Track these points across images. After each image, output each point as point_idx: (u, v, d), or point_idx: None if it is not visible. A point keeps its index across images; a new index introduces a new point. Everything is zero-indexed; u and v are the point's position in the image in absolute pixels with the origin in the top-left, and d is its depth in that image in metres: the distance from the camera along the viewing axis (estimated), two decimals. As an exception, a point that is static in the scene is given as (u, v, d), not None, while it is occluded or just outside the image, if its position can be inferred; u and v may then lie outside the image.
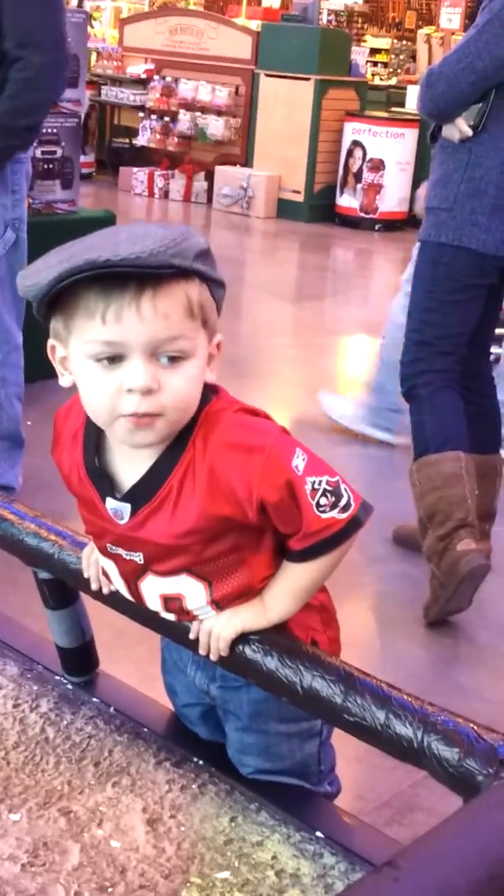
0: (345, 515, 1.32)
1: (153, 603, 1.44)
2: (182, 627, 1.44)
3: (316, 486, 1.30)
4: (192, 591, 1.40)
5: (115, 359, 1.24)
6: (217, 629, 1.39)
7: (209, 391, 1.34)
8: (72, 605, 1.67)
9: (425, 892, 0.94)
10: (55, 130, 4.72)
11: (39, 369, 4.57)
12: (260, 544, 1.39)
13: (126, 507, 1.36)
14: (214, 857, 1.37)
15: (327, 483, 1.31)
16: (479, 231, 3.09)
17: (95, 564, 1.51)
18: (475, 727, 1.19)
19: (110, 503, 1.37)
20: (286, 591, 1.39)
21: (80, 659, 1.72)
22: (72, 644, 1.70)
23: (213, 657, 1.42)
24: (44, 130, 4.65)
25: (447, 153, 3.17)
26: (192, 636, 1.43)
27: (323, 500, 1.31)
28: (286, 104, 10.30)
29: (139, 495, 1.35)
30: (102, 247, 1.20)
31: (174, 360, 1.25)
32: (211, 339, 1.30)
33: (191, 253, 1.23)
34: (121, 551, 1.40)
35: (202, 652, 1.42)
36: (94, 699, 1.67)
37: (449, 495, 3.04)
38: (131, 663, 1.76)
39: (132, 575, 1.43)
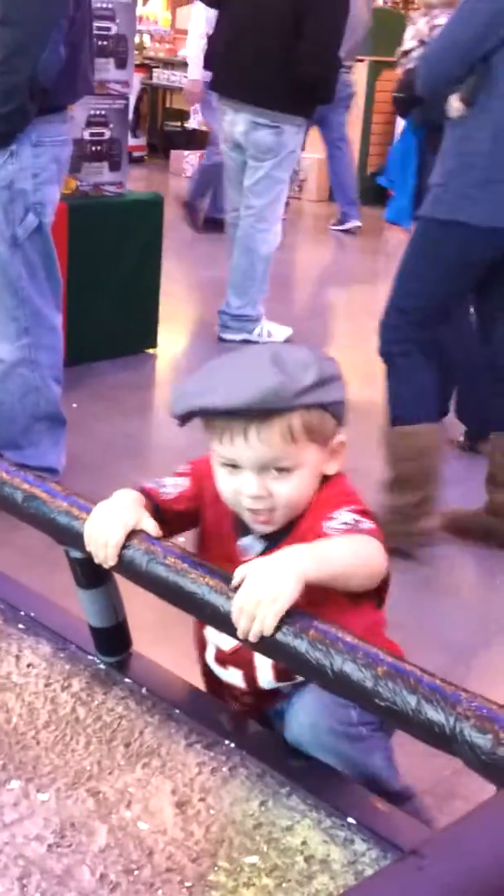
0: (366, 526, 1.50)
1: (264, 669, 1.62)
2: (217, 610, 1.40)
3: (336, 516, 1.51)
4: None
5: (234, 468, 1.54)
6: (265, 607, 1.32)
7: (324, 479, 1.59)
8: (104, 584, 1.65)
9: (449, 882, 0.91)
10: (103, 112, 4.71)
11: (84, 352, 4.62)
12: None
13: (260, 545, 1.60)
14: (243, 842, 1.35)
15: (351, 517, 1.51)
16: (469, 204, 3.11)
17: (114, 549, 1.49)
18: (510, 713, 1.15)
19: (245, 540, 1.61)
20: (323, 553, 1.42)
21: (113, 639, 1.70)
22: (104, 624, 1.68)
23: (252, 640, 1.35)
24: (91, 112, 4.66)
25: (446, 131, 3.20)
26: (234, 620, 1.36)
27: (342, 526, 1.49)
28: (339, 86, 10.20)
29: (279, 535, 1.58)
30: (217, 389, 1.49)
31: (282, 471, 1.53)
32: (327, 445, 1.57)
33: (289, 396, 1.47)
34: None
35: (241, 636, 1.36)
36: (127, 679, 1.66)
37: (424, 468, 3.24)
38: (169, 644, 1.74)
39: None
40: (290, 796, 1.42)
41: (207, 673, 1.72)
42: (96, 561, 1.52)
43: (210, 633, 1.66)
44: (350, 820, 1.38)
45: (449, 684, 1.21)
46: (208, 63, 5.43)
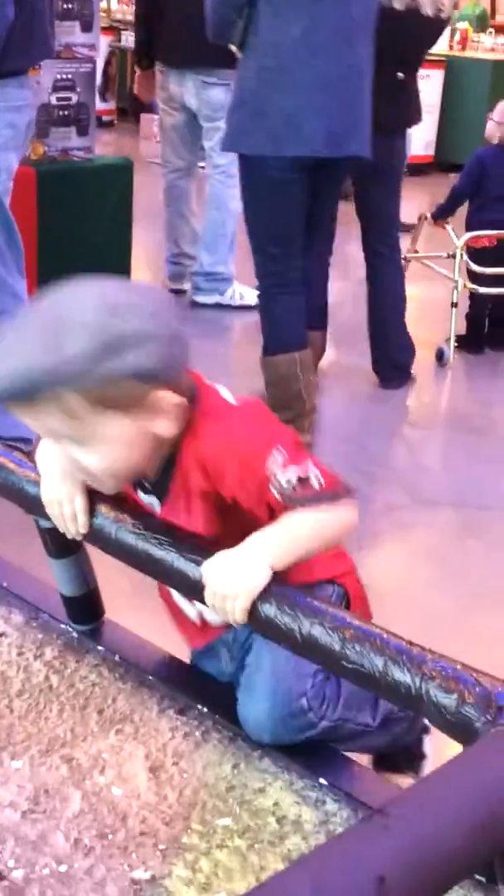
0: (312, 492, 1.35)
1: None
2: (187, 576, 1.41)
3: (281, 482, 1.34)
4: None
5: None
6: (231, 602, 1.34)
7: (192, 397, 1.38)
8: (74, 553, 1.66)
9: (416, 840, 0.92)
10: (70, 76, 4.66)
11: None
12: None
13: (154, 500, 1.47)
14: (216, 804, 1.36)
15: (297, 478, 1.35)
16: (246, 137, 3.37)
17: (84, 515, 1.48)
18: (474, 673, 1.16)
19: (142, 496, 1.49)
20: (285, 537, 1.35)
21: (85, 607, 1.71)
22: (75, 592, 1.69)
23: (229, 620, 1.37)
24: (58, 76, 4.61)
25: None
26: (209, 606, 1.38)
27: (291, 490, 1.34)
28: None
29: (159, 491, 1.46)
30: None
31: (81, 444, 1.34)
32: (139, 408, 1.32)
33: (45, 383, 1.25)
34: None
35: (219, 616, 1.38)
36: (99, 647, 1.67)
37: (286, 392, 3.47)
38: (142, 610, 1.74)
39: None
40: (261, 759, 1.44)
41: (166, 596, 1.63)
42: (68, 536, 1.52)
43: None
44: (322, 781, 1.40)
45: (415, 645, 1.22)
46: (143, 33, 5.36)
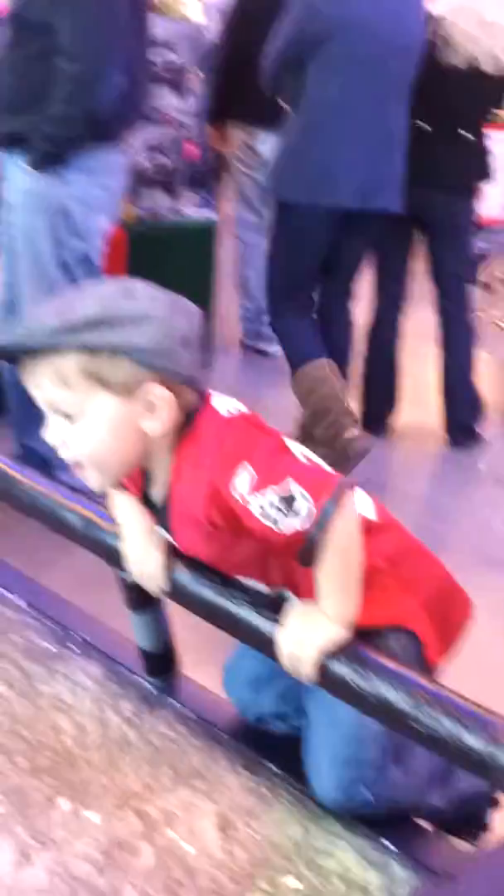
0: (308, 522, 1.30)
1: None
2: (263, 635, 1.43)
3: (263, 503, 1.30)
4: (262, 587, 1.46)
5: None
6: (302, 655, 1.36)
7: (188, 421, 1.39)
8: (154, 607, 1.69)
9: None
10: (160, 140, 4.79)
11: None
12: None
13: (167, 534, 1.48)
14: (284, 864, 1.37)
15: (279, 499, 1.30)
16: (286, 185, 3.72)
17: (163, 574, 1.52)
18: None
19: (160, 531, 1.49)
20: (330, 592, 1.35)
21: (162, 661, 1.74)
22: (153, 646, 1.72)
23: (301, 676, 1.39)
24: (150, 139, 4.74)
25: None
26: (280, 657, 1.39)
27: (277, 515, 1.30)
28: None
29: (165, 525, 1.47)
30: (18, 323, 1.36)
31: (69, 418, 1.37)
32: (129, 395, 1.35)
33: (39, 336, 1.33)
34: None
35: (290, 665, 1.39)
36: (174, 702, 1.69)
37: (321, 396, 3.52)
38: (214, 666, 1.77)
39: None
40: (329, 820, 1.45)
41: None
42: (151, 593, 1.56)
43: None
44: (390, 846, 1.40)
45: (487, 710, 1.22)
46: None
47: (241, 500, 1.31)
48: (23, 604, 1.97)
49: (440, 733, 1.23)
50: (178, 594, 1.53)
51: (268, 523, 1.31)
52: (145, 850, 1.39)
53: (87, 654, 1.81)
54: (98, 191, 3.22)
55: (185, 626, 1.77)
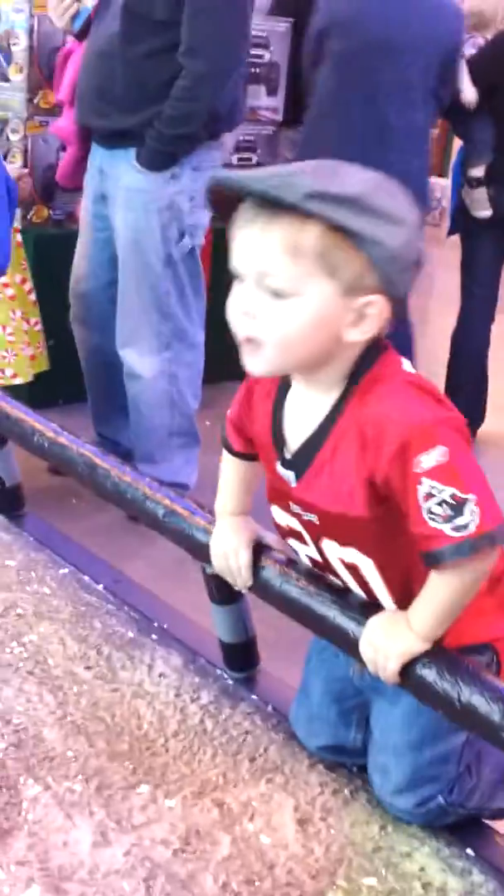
0: (456, 535, 1.26)
1: (338, 566, 1.45)
2: (346, 634, 1.43)
3: (434, 491, 1.26)
4: (364, 565, 1.40)
5: (241, 279, 1.30)
6: (381, 661, 1.36)
7: (374, 352, 1.34)
8: (237, 601, 1.70)
9: None
10: (252, 138, 4.80)
11: (222, 371, 4.68)
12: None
13: (291, 475, 1.41)
14: (362, 863, 1.37)
15: (451, 496, 1.26)
16: None
17: (247, 570, 1.53)
18: None
19: (279, 468, 1.42)
20: (428, 610, 1.34)
21: (242, 655, 1.75)
22: (234, 640, 1.73)
23: (381, 677, 1.39)
24: (240, 138, 4.75)
25: None
26: (363, 656, 1.39)
27: (437, 509, 1.27)
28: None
29: (300, 462, 1.39)
30: (251, 171, 1.27)
31: (277, 295, 1.27)
32: (350, 294, 1.27)
33: (299, 190, 1.22)
34: (300, 510, 1.43)
35: (371, 669, 1.39)
36: (253, 696, 1.70)
37: None
38: (292, 664, 1.77)
39: (314, 534, 1.45)
40: (409, 823, 1.44)
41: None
42: (235, 587, 1.57)
43: (295, 547, 1.52)
44: (468, 851, 1.40)
45: None
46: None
47: (417, 473, 1.26)
48: (105, 591, 1.99)
49: (527, 742, 1.23)
50: (262, 590, 1.54)
51: (424, 510, 1.27)
52: (224, 839, 1.40)
53: (168, 643, 1.83)
54: (203, 187, 3.25)
55: (263, 621, 1.78)
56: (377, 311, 1.29)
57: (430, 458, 1.26)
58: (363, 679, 1.51)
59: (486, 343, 4.38)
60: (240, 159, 4.79)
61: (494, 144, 4.27)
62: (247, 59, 3.25)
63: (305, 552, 1.50)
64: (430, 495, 1.26)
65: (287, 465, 1.41)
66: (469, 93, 4.32)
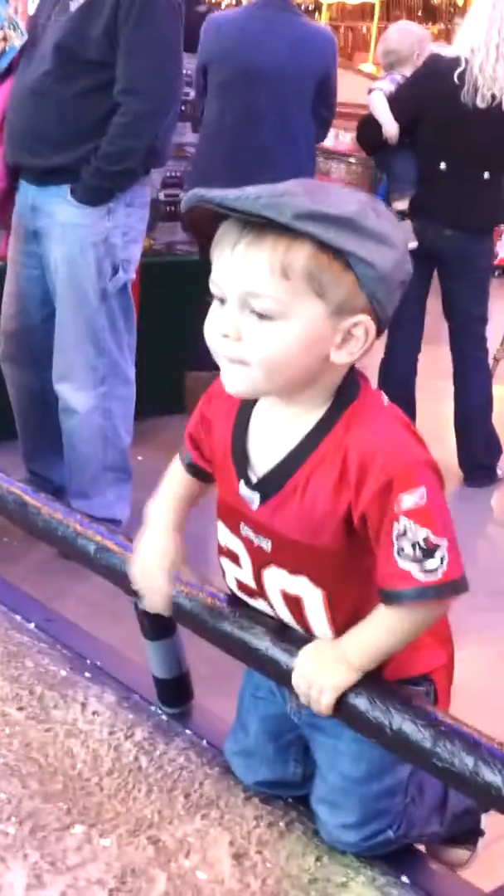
0: (424, 579, 1.27)
1: (274, 596, 1.43)
2: (277, 666, 1.44)
3: (408, 532, 1.27)
4: (310, 596, 1.38)
5: (221, 302, 1.28)
6: (315, 694, 1.36)
7: (354, 377, 1.34)
8: (169, 636, 1.70)
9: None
10: (179, 174, 4.83)
11: (153, 406, 4.72)
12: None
13: (255, 497, 1.37)
14: (298, 895, 1.37)
15: (424, 540, 1.27)
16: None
17: (165, 597, 1.51)
18: None
19: (242, 489, 1.39)
20: (371, 644, 1.35)
21: (176, 690, 1.74)
22: (168, 675, 1.73)
23: (314, 709, 1.38)
24: (167, 174, 4.78)
25: None
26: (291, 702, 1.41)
27: (407, 549, 1.27)
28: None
29: (269, 485, 1.36)
30: (235, 189, 1.23)
31: (263, 317, 1.25)
32: (338, 315, 1.26)
33: (289, 210, 1.20)
34: (251, 534, 1.41)
35: (303, 702, 1.39)
36: (188, 731, 1.70)
37: None
38: (226, 698, 1.78)
39: (258, 561, 1.42)
40: (344, 853, 1.45)
41: (237, 599, 1.54)
42: (148, 609, 1.55)
43: (227, 567, 1.50)
44: (403, 878, 1.41)
45: (505, 747, 1.23)
46: None
47: (395, 512, 1.27)
48: (37, 630, 1.98)
49: (458, 768, 1.24)
50: (192, 622, 1.54)
51: (396, 548, 1.27)
52: (160, 877, 1.39)
53: (101, 681, 1.82)
54: (136, 222, 3.31)
55: (197, 655, 1.78)
56: (364, 331, 1.28)
57: (411, 499, 1.27)
58: (300, 715, 1.51)
59: (412, 373, 4.46)
60: (167, 195, 4.82)
61: (417, 178, 4.36)
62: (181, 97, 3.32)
63: (236, 575, 1.48)
64: (403, 534, 1.27)
65: (252, 486, 1.38)
66: (390, 127, 4.41)
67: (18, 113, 3.25)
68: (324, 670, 1.37)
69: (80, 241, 3.24)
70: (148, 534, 1.54)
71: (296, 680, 1.39)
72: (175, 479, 1.56)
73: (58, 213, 3.24)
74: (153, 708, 1.75)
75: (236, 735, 1.61)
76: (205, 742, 1.67)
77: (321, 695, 1.36)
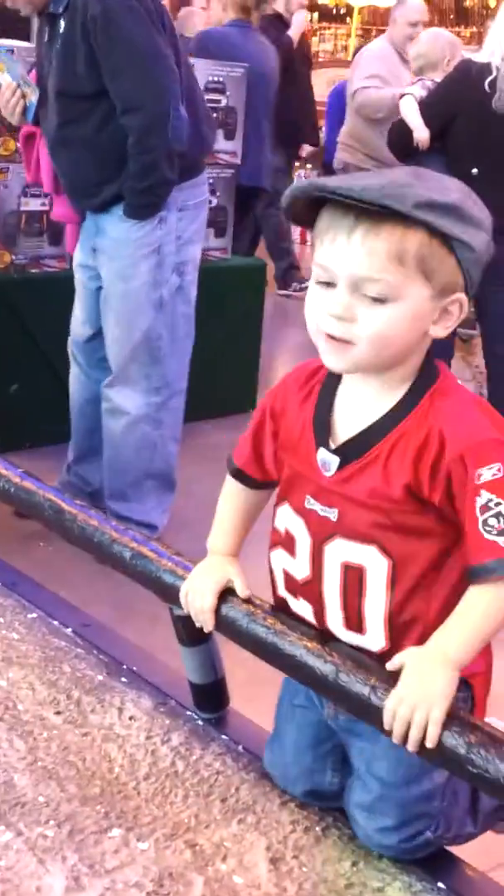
0: None
1: (331, 574, 1.44)
2: (313, 671, 1.43)
3: (491, 504, 1.31)
4: (375, 567, 1.39)
5: (328, 286, 1.35)
6: (422, 713, 1.29)
7: (433, 366, 1.41)
8: (205, 642, 1.71)
9: None
10: (212, 181, 4.85)
11: (187, 412, 4.74)
12: (452, 550, 1.38)
13: (335, 461, 1.42)
14: (335, 900, 1.38)
15: None
16: None
17: (210, 614, 1.53)
18: None
19: (321, 453, 1.43)
20: (466, 630, 1.33)
21: (212, 696, 1.76)
22: (204, 680, 1.74)
23: (411, 748, 1.31)
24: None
25: None
26: (386, 723, 1.32)
27: (492, 521, 1.30)
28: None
29: (351, 451, 1.41)
30: (348, 179, 1.34)
31: (376, 300, 1.33)
32: (441, 295, 1.35)
33: (410, 200, 1.29)
34: (317, 507, 1.44)
35: (397, 741, 1.32)
36: (224, 736, 1.71)
37: None
38: (262, 703, 1.79)
39: (321, 536, 1.44)
40: (380, 858, 1.46)
41: (281, 603, 1.55)
42: (197, 625, 1.58)
43: (278, 560, 1.52)
44: (440, 884, 1.41)
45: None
46: None
47: (477, 485, 1.31)
48: (74, 635, 2.00)
49: (493, 774, 1.24)
50: (229, 630, 1.55)
51: (480, 522, 1.31)
52: (197, 881, 1.40)
53: (137, 686, 1.84)
54: (189, 224, 3.36)
55: (233, 660, 1.79)
56: (458, 307, 1.37)
57: (489, 472, 1.32)
58: (337, 721, 1.52)
59: None
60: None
61: None
62: (190, 94, 3.35)
63: (286, 566, 1.49)
64: (486, 507, 1.31)
65: (333, 451, 1.42)
66: (421, 132, 4.41)
67: (58, 165, 3.39)
68: (427, 681, 1.31)
69: (131, 256, 3.32)
70: (205, 560, 1.60)
71: (392, 706, 1.31)
72: (231, 501, 1.61)
73: (110, 230, 3.34)
74: (189, 713, 1.76)
75: (274, 747, 1.62)
76: (241, 747, 1.68)
77: (430, 710, 1.29)
